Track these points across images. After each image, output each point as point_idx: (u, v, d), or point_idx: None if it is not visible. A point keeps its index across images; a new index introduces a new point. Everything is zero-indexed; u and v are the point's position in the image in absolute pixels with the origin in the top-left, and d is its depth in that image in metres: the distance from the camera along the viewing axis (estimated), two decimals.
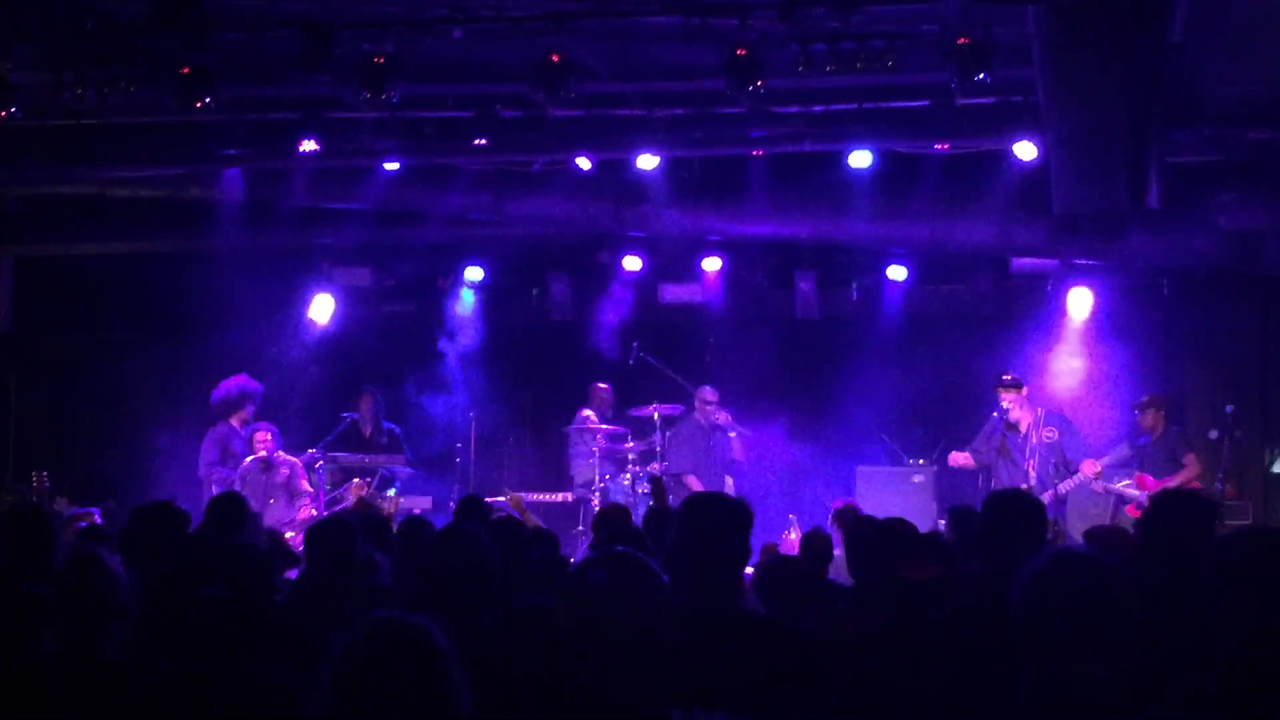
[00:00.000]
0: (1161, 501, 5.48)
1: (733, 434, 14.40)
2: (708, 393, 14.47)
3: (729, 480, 14.52)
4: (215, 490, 12.86)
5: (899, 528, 6.32)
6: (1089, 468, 12.31)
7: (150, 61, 11.31)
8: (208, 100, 11.25)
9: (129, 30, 10.93)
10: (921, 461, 14.20)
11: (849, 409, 14.87)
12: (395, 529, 8.62)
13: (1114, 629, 3.43)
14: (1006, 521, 5.20)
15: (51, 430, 15.95)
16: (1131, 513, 12.58)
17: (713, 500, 4.52)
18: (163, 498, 11.54)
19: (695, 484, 13.92)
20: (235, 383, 14.39)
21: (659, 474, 12.74)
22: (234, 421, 14.15)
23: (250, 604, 4.04)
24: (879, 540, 6.19)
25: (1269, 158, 12.26)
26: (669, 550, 4.43)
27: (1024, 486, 12.13)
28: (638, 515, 9.35)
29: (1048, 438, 12.54)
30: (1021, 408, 12.65)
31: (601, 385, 15.20)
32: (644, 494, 13.94)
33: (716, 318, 15.85)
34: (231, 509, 7.90)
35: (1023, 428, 12.59)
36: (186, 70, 11.00)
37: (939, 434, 14.23)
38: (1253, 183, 12.62)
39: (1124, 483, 12.66)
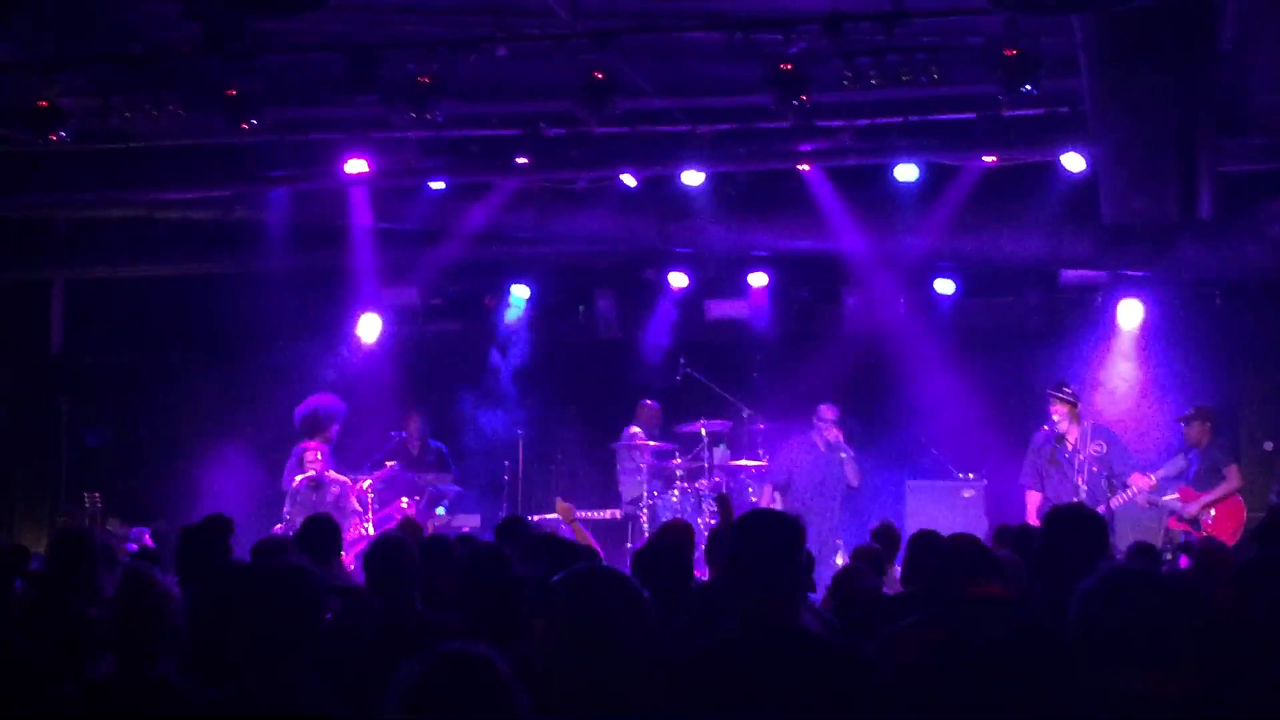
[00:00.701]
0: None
1: (844, 455, 13.86)
2: (825, 410, 13.94)
3: (776, 496, 14.42)
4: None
5: (966, 544, 6.26)
6: (1139, 481, 12.17)
7: (197, 85, 11.41)
8: (254, 122, 11.34)
9: (175, 55, 11.03)
10: (971, 475, 14.09)
11: (898, 423, 14.78)
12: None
13: (1173, 646, 3.37)
14: (1068, 538, 5.11)
15: (103, 451, 16.08)
16: (1174, 526, 12.44)
17: (763, 518, 4.48)
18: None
19: (767, 497, 13.86)
20: (318, 401, 14.46)
21: (725, 493, 12.60)
22: (318, 439, 14.18)
23: (300, 625, 4.03)
24: (946, 556, 6.15)
25: None
26: (722, 568, 4.42)
27: (1077, 500, 12.03)
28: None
29: (1096, 451, 12.39)
30: (1070, 421, 12.51)
31: (649, 402, 15.16)
32: (692, 509, 13.89)
33: (763, 333, 15.79)
34: (327, 532, 8.02)
35: (1071, 441, 12.45)
36: (233, 93, 11.09)
37: (989, 448, 14.12)
38: None
39: (1171, 496, 12.52)
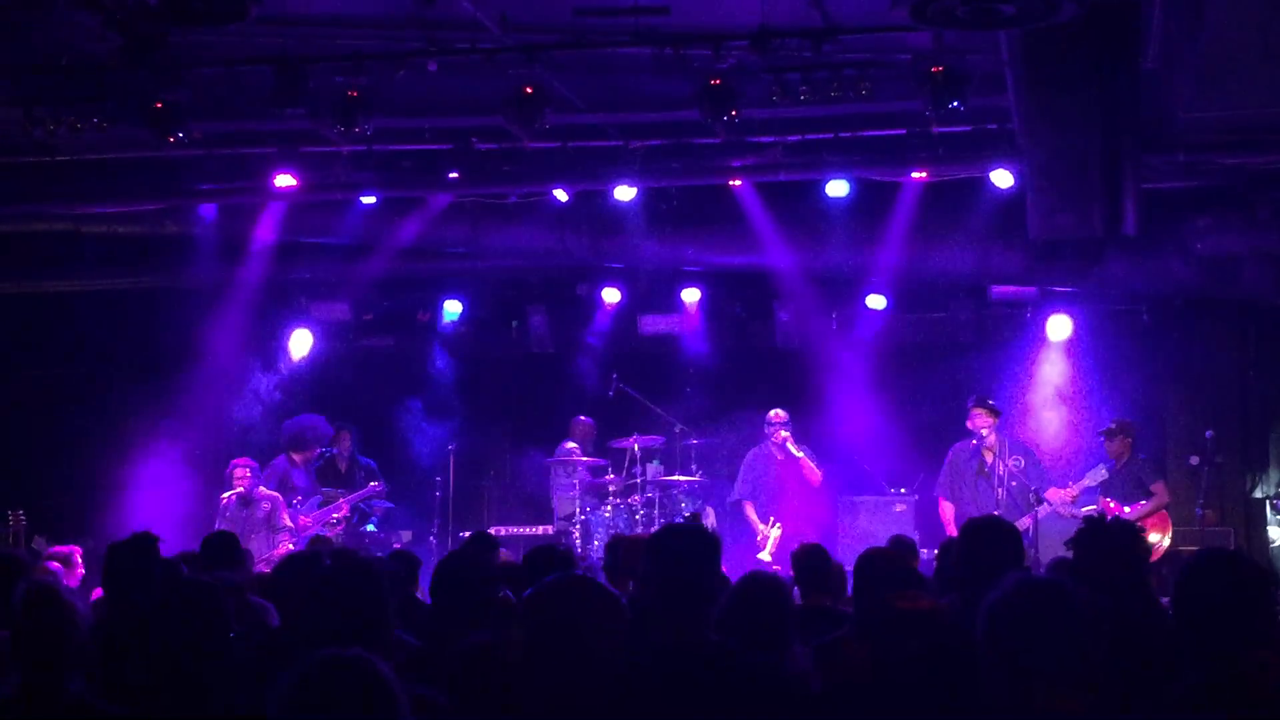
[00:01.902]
0: (1089, 530, 5.46)
1: (800, 454, 13.75)
2: (773, 415, 13.87)
3: (710, 511, 14.42)
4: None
5: (892, 558, 6.31)
6: (1055, 495, 12.31)
7: (123, 97, 11.28)
8: (180, 135, 11.24)
9: (102, 67, 10.91)
10: (902, 490, 14.14)
11: (830, 438, 14.81)
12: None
13: (1079, 659, 3.37)
14: (986, 549, 5.10)
15: (28, 468, 15.82)
16: None
17: (680, 531, 4.46)
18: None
19: (750, 512, 13.83)
20: (305, 421, 14.39)
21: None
22: (296, 457, 14.14)
23: (207, 641, 3.98)
24: (874, 570, 6.20)
25: (1243, 183, 12.29)
26: (640, 582, 4.40)
27: (995, 513, 12.15)
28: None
29: (1015, 465, 12.53)
30: (994, 433, 12.65)
31: (583, 418, 15.14)
32: (625, 525, 13.84)
33: (696, 349, 15.80)
34: (224, 546, 7.95)
35: (990, 455, 12.59)
36: (159, 106, 10.99)
37: (920, 462, 14.18)
38: (1228, 208, 12.67)
39: (1089, 508, 12.66)
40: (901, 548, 8.74)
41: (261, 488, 13.56)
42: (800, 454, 13.74)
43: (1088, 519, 6.12)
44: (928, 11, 6.69)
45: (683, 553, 4.23)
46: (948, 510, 12.79)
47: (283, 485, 14.01)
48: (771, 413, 13.93)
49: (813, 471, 13.76)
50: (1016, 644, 3.39)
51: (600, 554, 13.51)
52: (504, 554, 9.92)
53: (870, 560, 6.35)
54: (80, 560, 11.02)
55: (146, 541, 7.39)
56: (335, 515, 13.88)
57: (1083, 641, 3.39)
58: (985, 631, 3.44)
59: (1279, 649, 3.93)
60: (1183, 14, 9.03)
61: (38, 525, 13.71)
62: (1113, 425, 12.95)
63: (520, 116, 11.01)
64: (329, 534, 13.70)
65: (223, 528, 13.17)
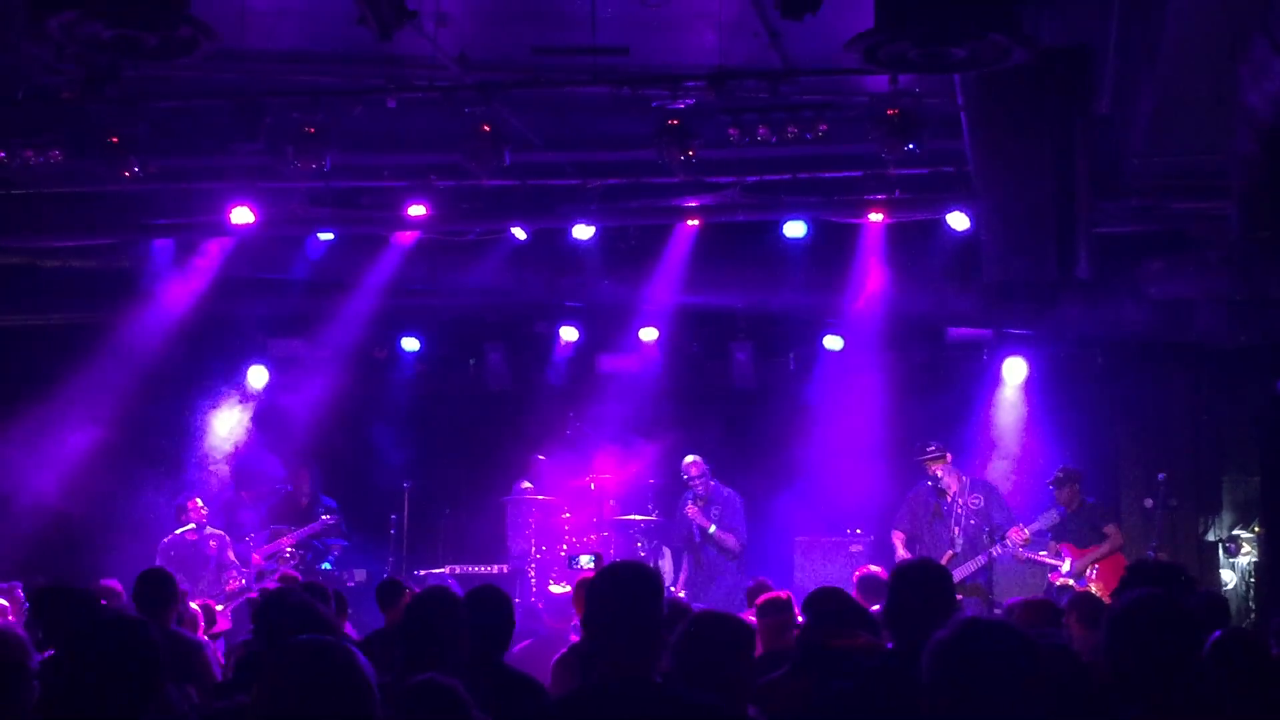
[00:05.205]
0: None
1: (710, 531, 13.48)
2: (687, 466, 13.65)
3: (666, 552, 14.39)
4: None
5: (832, 597, 6.32)
6: (1016, 534, 12.34)
7: (79, 131, 11.22)
8: (136, 169, 11.18)
9: (58, 99, 10.85)
10: (858, 531, 14.16)
11: (787, 479, 14.81)
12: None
13: (1023, 697, 3.37)
14: (912, 592, 5.08)
15: None
16: (1055, 580, 12.63)
17: (621, 570, 4.44)
18: (91, 572, 11.46)
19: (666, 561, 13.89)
20: (253, 458, 14.58)
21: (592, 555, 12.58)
22: (244, 494, 14.20)
23: (141, 679, 3.93)
24: (813, 609, 6.21)
25: (1195, 227, 12.40)
26: (584, 622, 4.38)
27: (951, 552, 12.19)
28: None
29: (974, 504, 12.56)
30: (948, 474, 12.67)
31: (540, 457, 15.12)
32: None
33: (654, 388, 15.79)
34: (161, 586, 7.95)
35: (949, 495, 12.62)
36: (115, 139, 10.93)
37: (875, 502, 14.20)
38: (1180, 252, 12.77)
39: (1042, 552, 12.75)
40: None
41: (208, 526, 13.48)
42: (712, 530, 13.55)
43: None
44: (880, 54, 6.72)
45: (624, 592, 4.20)
46: (899, 542, 12.84)
47: (230, 522, 13.94)
48: (685, 463, 13.65)
49: (730, 542, 13.53)
50: (963, 683, 3.38)
51: (548, 595, 13.54)
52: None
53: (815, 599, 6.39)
54: (22, 595, 10.93)
55: (70, 594, 7.34)
56: (287, 549, 13.81)
57: (1029, 682, 3.38)
58: (930, 670, 3.43)
59: (1210, 692, 3.96)
60: (1136, 60, 9.13)
61: None
62: (1059, 474, 13.02)
63: (478, 154, 11.01)
64: (283, 571, 13.62)
65: (167, 565, 13.11)
